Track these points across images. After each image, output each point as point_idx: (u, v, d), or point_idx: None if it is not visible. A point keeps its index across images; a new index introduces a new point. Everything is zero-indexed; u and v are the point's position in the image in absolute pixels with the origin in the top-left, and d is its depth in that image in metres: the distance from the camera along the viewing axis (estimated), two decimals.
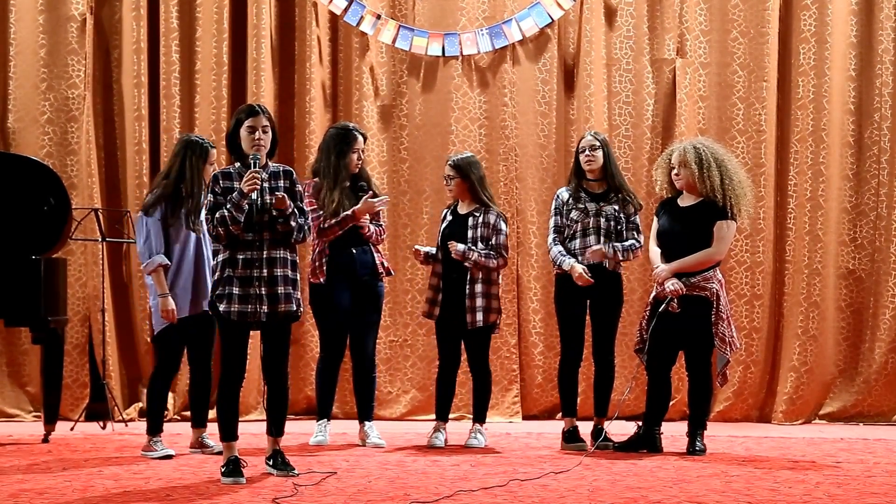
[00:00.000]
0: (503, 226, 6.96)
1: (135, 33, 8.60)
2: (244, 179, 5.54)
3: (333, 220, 6.82)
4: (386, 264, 7.09)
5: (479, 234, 6.90)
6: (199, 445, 6.66)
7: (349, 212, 6.83)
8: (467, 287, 6.84)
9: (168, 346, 6.56)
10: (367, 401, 7.07)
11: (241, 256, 5.59)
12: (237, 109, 5.84)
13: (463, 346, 7.04)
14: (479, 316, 6.82)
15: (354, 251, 6.93)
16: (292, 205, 5.64)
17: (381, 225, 7.05)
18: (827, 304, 8.45)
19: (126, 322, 8.69)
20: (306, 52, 8.66)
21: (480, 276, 6.86)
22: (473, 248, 6.83)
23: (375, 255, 7.00)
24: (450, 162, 7.01)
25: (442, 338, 7.05)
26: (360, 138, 6.98)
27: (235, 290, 5.58)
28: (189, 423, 6.77)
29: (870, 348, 8.47)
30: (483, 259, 6.82)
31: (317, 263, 6.96)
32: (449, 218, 7.06)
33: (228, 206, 5.52)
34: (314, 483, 5.46)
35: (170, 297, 6.38)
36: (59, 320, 7.32)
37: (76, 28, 8.66)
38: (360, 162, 6.98)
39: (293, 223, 5.62)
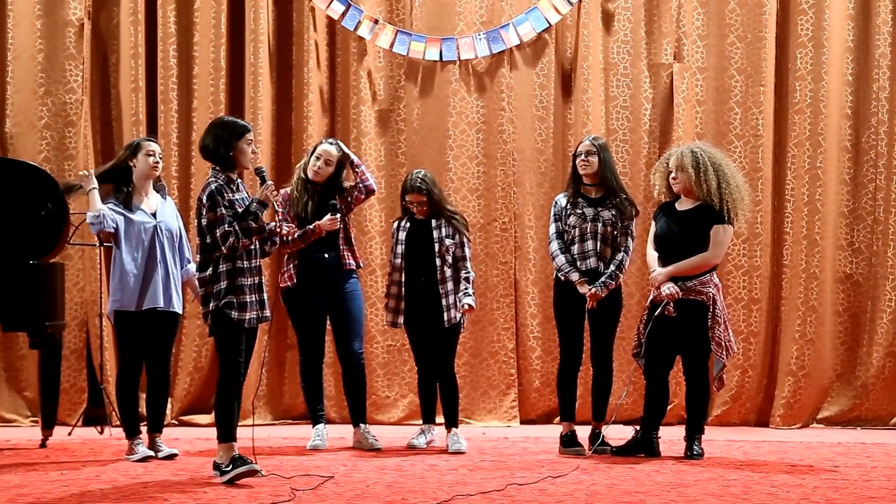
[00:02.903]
0: (466, 240, 7.04)
1: (132, 38, 8.60)
2: (266, 192, 5.81)
3: (296, 235, 6.87)
4: (353, 263, 7.01)
5: (443, 234, 6.96)
6: (152, 450, 6.63)
7: (311, 226, 6.87)
8: (440, 287, 6.90)
9: (124, 351, 6.68)
10: (359, 404, 7.07)
11: (245, 265, 5.80)
12: (224, 125, 5.93)
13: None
14: (452, 313, 6.89)
15: (327, 255, 6.95)
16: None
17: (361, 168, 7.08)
18: (824, 308, 8.45)
19: None
20: (304, 56, 8.66)
21: (449, 275, 6.93)
22: (467, 294, 6.92)
23: (345, 256, 6.98)
24: (417, 190, 6.96)
25: (416, 343, 7.09)
26: (323, 146, 7.02)
27: (248, 298, 5.79)
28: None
29: (867, 352, 8.46)
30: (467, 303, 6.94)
31: (287, 267, 7.03)
32: (407, 225, 7.07)
33: (251, 217, 5.75)
34: (312, 487, 5.46)
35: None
36: (56, 325, 7.32)
37: (74, 33, 8.65)
38: (319, 168, 6.96)
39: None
